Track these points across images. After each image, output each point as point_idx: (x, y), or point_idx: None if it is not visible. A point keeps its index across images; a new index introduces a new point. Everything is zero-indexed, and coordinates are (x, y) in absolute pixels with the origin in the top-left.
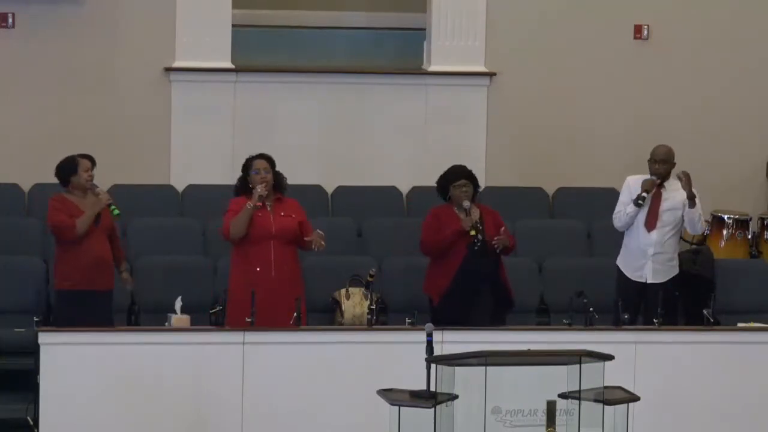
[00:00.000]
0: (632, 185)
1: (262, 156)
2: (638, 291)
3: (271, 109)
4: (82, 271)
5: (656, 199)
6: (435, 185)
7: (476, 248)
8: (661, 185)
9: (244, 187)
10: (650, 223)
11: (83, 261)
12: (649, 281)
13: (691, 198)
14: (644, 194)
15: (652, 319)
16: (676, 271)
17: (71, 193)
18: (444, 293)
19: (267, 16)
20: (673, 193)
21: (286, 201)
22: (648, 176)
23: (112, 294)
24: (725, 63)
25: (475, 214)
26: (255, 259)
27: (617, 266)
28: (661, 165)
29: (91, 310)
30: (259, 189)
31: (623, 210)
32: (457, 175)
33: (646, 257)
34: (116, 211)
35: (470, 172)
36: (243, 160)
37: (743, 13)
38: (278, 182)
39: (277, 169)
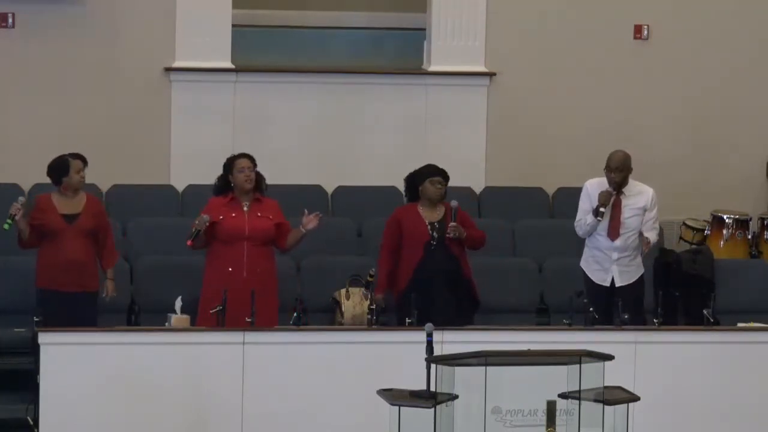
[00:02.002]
0: (591, 191)
1: (245, 155)
2: (606, 293)
3: (271, 109)
4: (55, 271)
5: (617, 208)
6: (404, 182)
7: (432, 248)
8: (619, 192)
9: (224, 186)
10: (613, 233)
11: (56, 262)
12: (617, 284)
13: (648, 244)
14: (602, 209)
15: (625, 320)
16: (642, 269)
17: (62, 193)
18: (402, 291)
19: (267, 16)
20: (633, 198)
21: (264, 202)
22: (604, 179)
23: (90, 296)
24: (725, 63)
25: (440, 212)
26: (227, 259)
27: (582, 268)
28: (617, 173)
29: (64, 310)
30: (198, 223)
31: (584, 219)
32: (434, 172)
33: (611, 262)
34: (6, 226)
35: (444, 170)
36: None
37: (743, 13)
38: (257, 183)
39: (276, 169)
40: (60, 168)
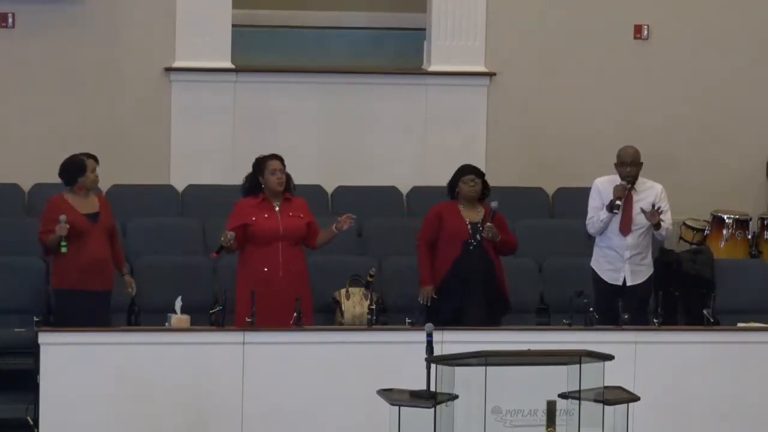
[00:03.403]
0: (601, 188)
1: (276, 156)
2: (616, 293)
3: (271, 109)
4: (79, 271)
5: (628, 203)
6: (446, 186)
7: (471, 248)
8: (631, 188)
9: (254, 187)
10: (625, 229)
11: (80, 261)
12: (628, 284)
13: (657, 226)
14: (618, 202)
15: (625, 320)
16: (651, 269)
17: (76, 193)
18: (437, 289)
19: (267, 16)
20: (644, 194)
21: (294, 201)
22: (615, 176)
23: (109, 295)
24: (725, 63)
25: (480, 213)
26: (263, 260)
27: (592, 268)
28: (632, 167)
29: (87, 310)
30: (223, 240)
31: (596, 216)
32: (466, 171)
33: (623, 260)
34: (63, 250)
35: (479, 169)
36: (243, 160)
37: (743, 13)
38: (287, 182)
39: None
40: (76, 168)
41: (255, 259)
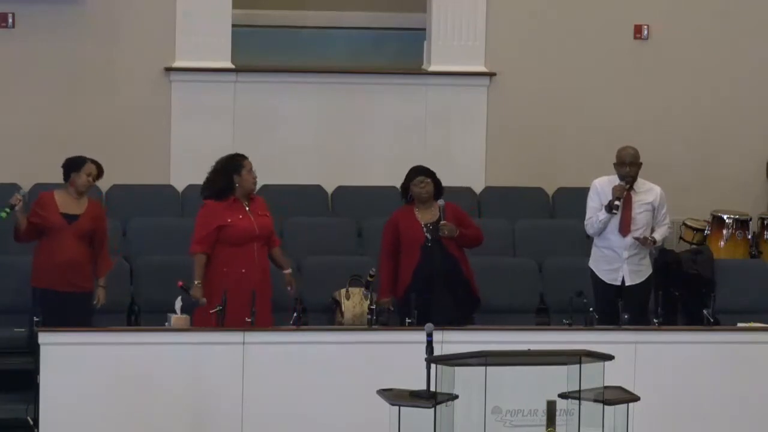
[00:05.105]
0: (600, 189)
1: (245, 156)
2: (615, 293)
3: (271, 109)
4: (51, 271)
5: (627, 203)
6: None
7: (429, 249)
8: (630, 188)
9: (227, 188)
10: (624, 229)
11: (52, 261)
12: (627, 284)
13: (653, 243)
14: (617, 202)
15: (633, 319)
16: (650, 270)
17: (68, 192)
18: (403, 292)
19: (267, 16)
20: (643, 195)
21: (256, 200)
22: (614, 176)
23: (86, 297)
24: (725, 63)
25: (435, 212)
26: (239, 260)
27: (590, 269)
28: (631, 168)
29: (62, 310)
30: (198, 298)
31: (595, 217)
32: (415, 172)
33: (621, 260)
34: (3, 215)
35: (428, 169)
36: None
37: (743, 13)
38: None
39: (276, 169)
40: (73, 164)
41: (230, 259)
